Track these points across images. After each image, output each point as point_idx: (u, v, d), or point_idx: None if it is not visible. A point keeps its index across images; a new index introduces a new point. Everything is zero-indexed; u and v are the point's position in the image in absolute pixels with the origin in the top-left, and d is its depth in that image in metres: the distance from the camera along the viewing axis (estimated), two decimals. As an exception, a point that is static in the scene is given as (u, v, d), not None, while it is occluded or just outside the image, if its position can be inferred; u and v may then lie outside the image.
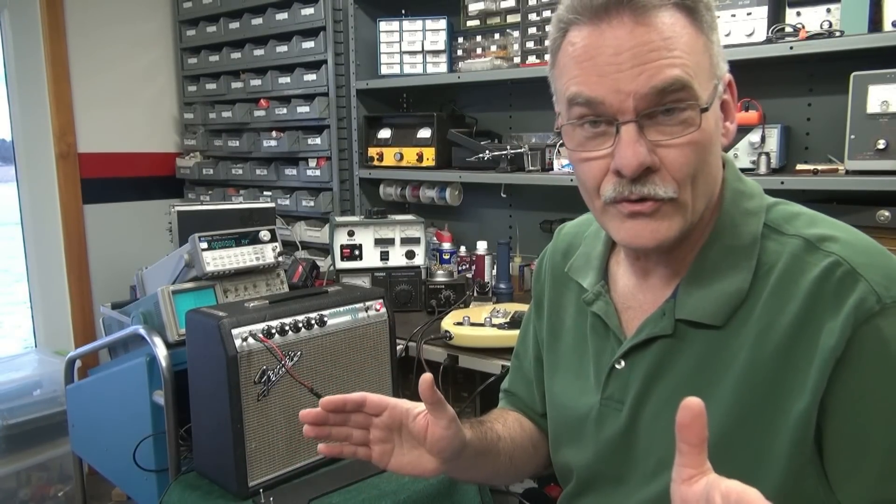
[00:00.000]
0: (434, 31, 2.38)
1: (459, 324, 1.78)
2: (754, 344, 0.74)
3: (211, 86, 2.99)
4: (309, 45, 2.58)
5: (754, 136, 1.76)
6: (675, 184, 0.72)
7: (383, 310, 1.62)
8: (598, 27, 0.71)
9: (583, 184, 0.79)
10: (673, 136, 0.71)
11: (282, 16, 2.66)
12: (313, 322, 1.48)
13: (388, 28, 2.42)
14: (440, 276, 2.13)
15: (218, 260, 1.72)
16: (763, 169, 1.73)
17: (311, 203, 2.65)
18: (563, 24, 0.75)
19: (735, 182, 0.82)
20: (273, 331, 1.41)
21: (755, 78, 1.88)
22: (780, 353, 0.72)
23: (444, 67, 2.38)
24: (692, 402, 0.55)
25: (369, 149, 2.52)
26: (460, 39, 2.37)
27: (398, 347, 1.73)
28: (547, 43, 0.79)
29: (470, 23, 2.33)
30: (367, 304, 1.60)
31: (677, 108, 0.70)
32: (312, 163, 2.67)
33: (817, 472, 0.72)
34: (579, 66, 0.73)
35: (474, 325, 1.76)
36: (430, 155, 2.36)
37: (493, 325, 1.73)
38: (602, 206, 0.77)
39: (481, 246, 2.33)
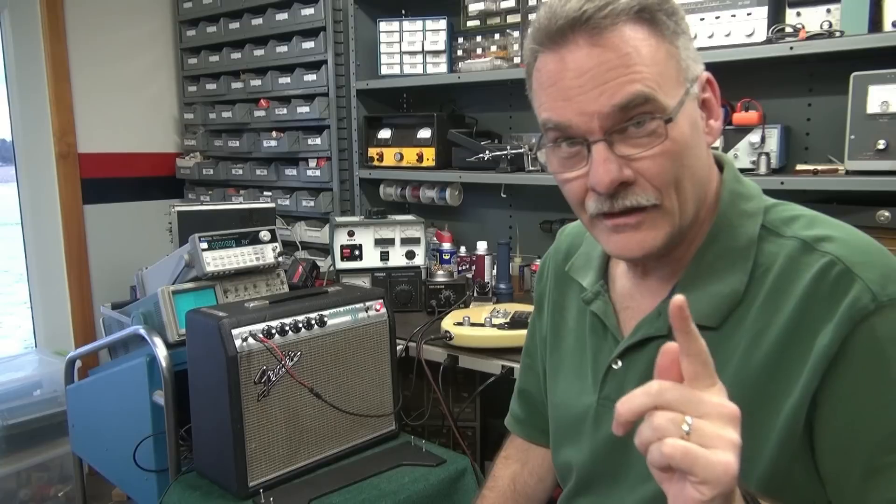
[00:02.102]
0: (434, 32, 2.38)
1: (459, 324, 1.78)
2: (749, 346, 0.74)
3: (211, 86, 2.99)
4: (309, 45, 2.58)
5: (754, 137, 1.76)
6: (656, 191, 0.73)
7: (383, 310, 1.63)
8: (558, 53, 0.73)
9: (569, 202, 0.81)
10: (644, 148, 0.72)
11: (282, 16, 2.66)
12: (313, 322, 1.48)
13: (388, 28, 2.42)
14: (440, 277, 2.13)
15: (218, 260, 1.72)
16: (763, 169, 1.73)
17: (311, 203, 2.65)
18: (531, 51, 0.77)
19: (733, 183, 0.82)
20: (273, 331, 1.41)
21: (755, 78, 1.88)
22: (775, 354, 0.72)
23: (444, 68, 2.38)
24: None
25: (369, 149, 2.52)
26: (460, 40, 2.36)
27: (398, 348, 1.73)
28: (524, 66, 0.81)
29: (470, 23, 2.33)
30: (367, 304, 1.60)
31: (644, 121, 0.71)
32: (312, 163, 2.67)
33: (807, 468, 0.72)
34: (546, 92, 0.75)
35: (474, 326, 1.76)
36: (430, 155, 2.36)
37: (494, 326, 1.73)
38: (590, 221, 0.79)
39: (481, 246, 2.33)
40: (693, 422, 0.56)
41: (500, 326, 1.73)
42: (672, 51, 0.73)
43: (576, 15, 0.70)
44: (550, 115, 0.75)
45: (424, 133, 2.39)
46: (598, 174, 0.72)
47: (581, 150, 0.75)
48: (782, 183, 1.66)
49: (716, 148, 1.63)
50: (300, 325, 1.46)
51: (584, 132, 0.73)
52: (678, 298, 0.58)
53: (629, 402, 0.58)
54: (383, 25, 2.42)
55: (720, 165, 0.84)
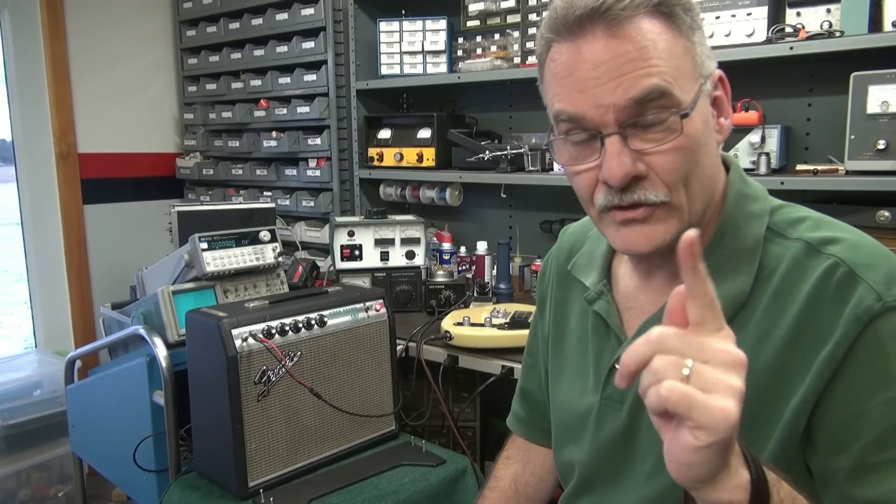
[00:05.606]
0: (434, 32, 2.38)
1: (459, 324, 1.78)
2: (754, 347, 0.74)
3: (211, 86, 2.99)
4: (309, 45, 2.58)
5: (754, 137, 1.76)
6: (666, 188, 0.73)
7: (383, 310, 1.62)
8: (574, 43, 0.72)
9: (577, 194, 0.80)
10: (657, 143, 0.71)
11: (282, 16, 2.66)
12: (313, 322, 1.48)
13: (388, 28, 2.42)
14: (440, 277, 2.13)
15: (218, 260, 1.72)
16: (763, 169, 1.73)
17: (311, 203, 2.65)
18: (545, 40, 0.76)
19: (739, 184, 0.82)
20: (273, 331, 1.41)
21: (755, 78, 1.88)
22: (780, 356, 0.72)
23: (444, 68, 2.38)
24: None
25: (369, 149, 2.52)
26: (460, 40, 2.36)
27: (398, 348, 1.73)
28: (533, 58, 0.80)
29: (470, 23, 2.33)
30: (367, 304, 1.60)
31: (659, 116, 0.71)
32: (312, 163, 2.67)
33: (801, 467, 0.73)
34: (560, 82, 0.74)
35: (474, 326, 1.76)
36: (430, 155, 2.36)
37: (493, 326, 1.73)
38: (598, 214, 0.78)
39: (481, 246, 2.33)
40: (693, 365, 0.54)
41: (500, 326, 1.73)
42: (688, 46, 0.73)
43: (594, 5, 0.70)
44: (564, 107, 0.74)
45: (424, 133, 2.39)
46: (611, 167, 0.71)
47: (593, 143, 0.74)
48: (782, 183, 1.66)
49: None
50: (300, 325, 1.46)
51: (598, 125, 0.72)
52: (691, 233, 0.55)
53: (632, 352, 0.56)
54: (383, 25, 2.42)
55: (726, 166, 0.84)
